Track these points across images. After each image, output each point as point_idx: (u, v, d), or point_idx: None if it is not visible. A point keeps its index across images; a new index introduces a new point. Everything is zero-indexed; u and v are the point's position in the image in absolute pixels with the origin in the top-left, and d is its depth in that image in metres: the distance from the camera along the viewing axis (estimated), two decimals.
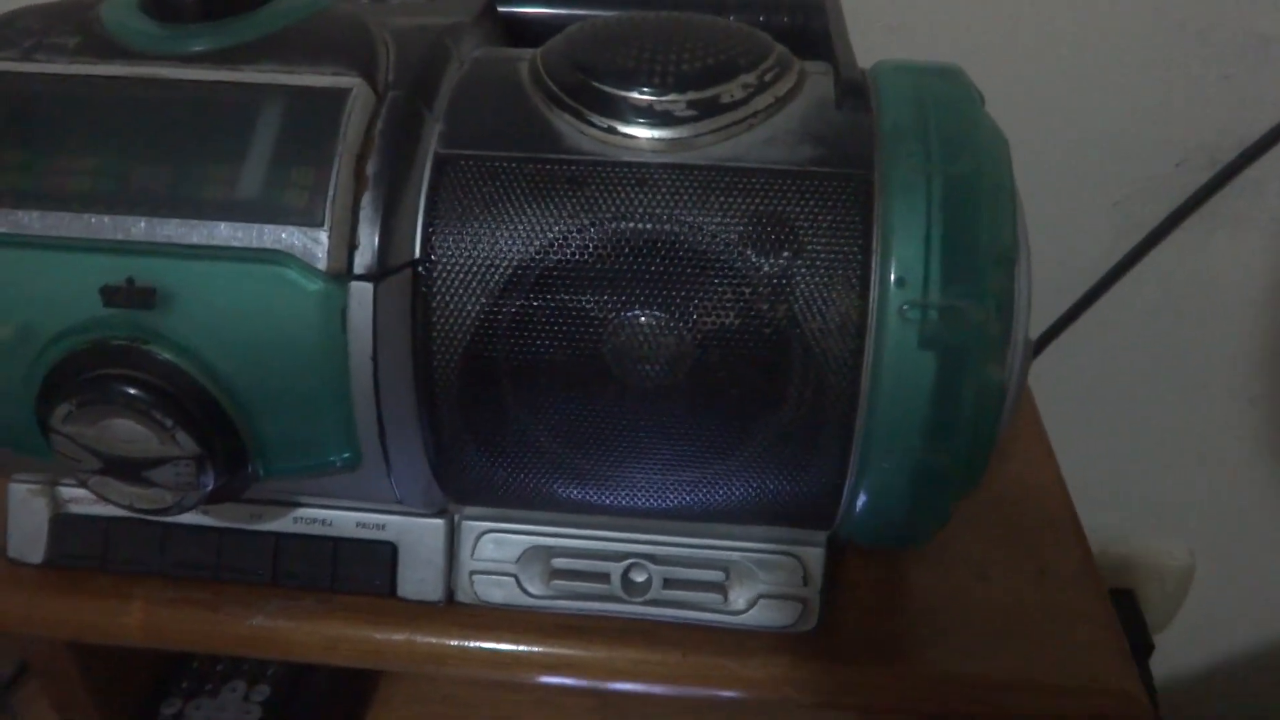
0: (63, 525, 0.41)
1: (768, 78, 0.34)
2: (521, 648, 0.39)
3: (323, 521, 0.39)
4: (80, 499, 0.40)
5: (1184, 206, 0.69)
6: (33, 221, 0.32)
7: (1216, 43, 0.63)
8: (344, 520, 0.39)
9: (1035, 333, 0.74)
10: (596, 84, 0.33)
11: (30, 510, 0.41)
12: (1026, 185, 0.68)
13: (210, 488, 0.34)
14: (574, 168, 0.33)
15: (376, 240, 0.32)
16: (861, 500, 0.34)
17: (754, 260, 0.32)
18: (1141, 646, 0.83)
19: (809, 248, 0.32)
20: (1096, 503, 0.81)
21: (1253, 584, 0.84)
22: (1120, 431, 0.78)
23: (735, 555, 0.38)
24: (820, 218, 0.32)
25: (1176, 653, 0.86)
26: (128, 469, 0.34)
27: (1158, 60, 0.64)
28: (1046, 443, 0.50)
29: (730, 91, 0.33)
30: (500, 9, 0.43)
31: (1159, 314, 0.73)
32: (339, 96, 0.32)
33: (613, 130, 0.33)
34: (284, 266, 0.31)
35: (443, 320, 0.33)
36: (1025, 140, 0.67)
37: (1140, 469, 0.80)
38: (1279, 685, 0.88)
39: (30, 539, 0.41)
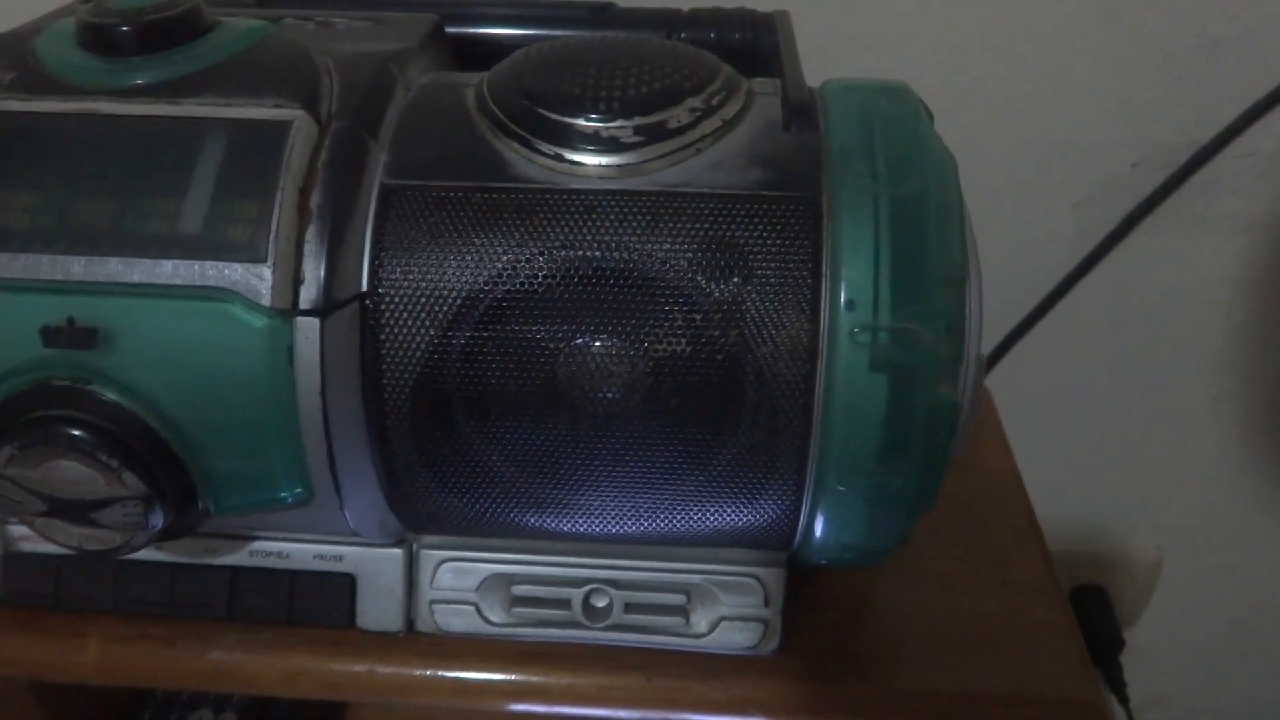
0: (13, 563, 0.40)
1: (715, 101, 0.34)
2: (484, 676, 0.39)
3: (279, 554, 0.39)
4: (31, 536, 0.39)
5: (1141, 207, 0.69)
6: None
7: (1169, 45, 0.64)
8: (301, 552, 0.39)
9: (1001, 332, 0.75)
10: (542, 111, 0.33)
11: None
12: (987, 189, 0.69)
13: (159, 527, 0.33)
14: (521, 196, 0.32)
15: (322, 274, 0.31)
16: (819, 522, 0.34)
17: (704, 286, 0.32)
18: (1112, 641, 0.84)
19: (759, 272, 0.32)
20: (1065, 501, 0.82)
21: (1220, 577, 0.85)
22: (1086, 430, 0.79)
23: (696, 578, 0.38)
24: (769, 242, 0.32)
25: (1147, 647, 0.87)
26: (74, 510, 0.33)
27: (1112, 63, 0.65)
28: (1008, 451, 0.50)
29: (677, 116, 0.33)
30: (448, 29, 0.43)
31: (1121, 313, 0.74)
32: (281, 129, 0.32)
33: (560, 157, 0.33)
34: (228, 303, 0.31)
35: (392, 353, 0.32)
36: (984, 144, 0.67)
37: (1106, 467, 0.81)
38: (1248, 677, 0.89)
39: None
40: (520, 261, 0.32)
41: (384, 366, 0.33)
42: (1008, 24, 0.64)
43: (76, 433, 0.31)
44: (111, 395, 0.32)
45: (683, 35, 0.44)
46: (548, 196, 0.32)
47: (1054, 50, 0.65)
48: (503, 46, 0.44)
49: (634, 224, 0.32)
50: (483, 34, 0.45)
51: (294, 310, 0.31)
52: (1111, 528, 0.84)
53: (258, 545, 0.39)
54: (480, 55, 0.44)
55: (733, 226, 0.32)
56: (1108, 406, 0.78)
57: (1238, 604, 0.86)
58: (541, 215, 0.32)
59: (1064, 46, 0.64)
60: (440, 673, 0.39)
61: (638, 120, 0.33)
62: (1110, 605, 0.85)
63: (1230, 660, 0.89)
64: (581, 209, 0.32)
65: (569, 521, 0.36)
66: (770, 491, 0.34)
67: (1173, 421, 0.78)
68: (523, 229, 0.32)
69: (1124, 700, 0.82)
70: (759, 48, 0.43)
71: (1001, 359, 0.75)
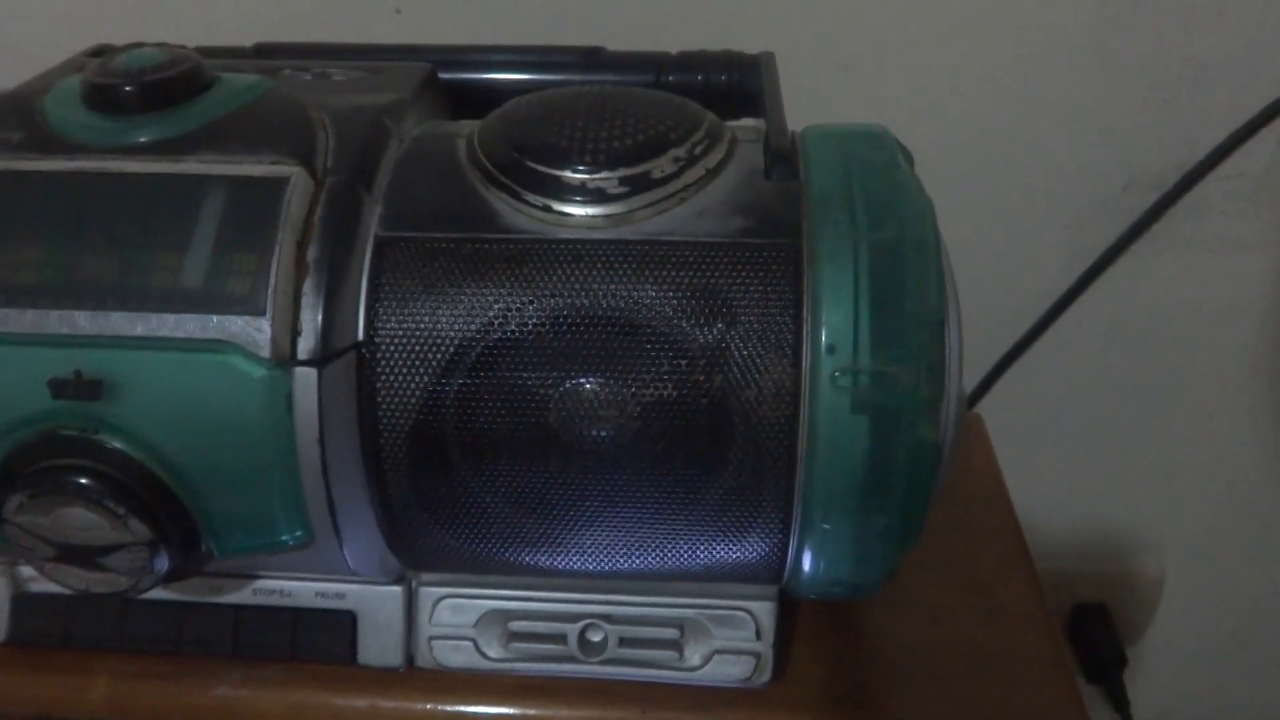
0: (24, 604, 0.41)
1: (698, 150, 0.35)
2: (483, 710, 0.40)
3: (282, 592, 0.40)
4: (41, 577, 0.41)
5: (1133, 229, 0.70)
6: None
7: (1155, 71, 0.65)
8: (303, 590, 0.40)
9: (996, 354, 0.75)
10: (530, 163, 0.34)
11: None
12: (978, 213, 0.70)
13: (164, 570, 0.34)
14: (511, 246, 0.33)
15: (319, 325, 0.32)
16: (806, 558, 0.35)
17: (689, 332, 0.33)
18: (1115, 659, 0.85)
19: (742, 318, 0.33)
20: (1065, 519, 0.83)
21: (1223, 593, 0.86)
22: (1085, 449, 0.80)
23: (689, 612, 0.39)
24: (751, 288, 0.33)
25: (1150, 664, 0.88)
26: (82, 556, 0.34)
27: (1100, 88, 0.66)
28: (999, 478, 0.51)
29: (661, 167, 0.34)
30: (442, 75, 0.44)
31: (1115, 333, 0.75)
32: (278, 185, 0.33)
33: (548, 209, 0.34)
34: (228, 355, 0.32)
35: (388, 400, 0.33)
36: (975, 169, 0.68)
37: (1106, 485, 0.82)
38: (1252, 694, 0.89)
39: None
40: (511, 310, 0.33)
41: (380, 413, 0.34)
42: (996, 51, 0.65)
43: (84, 481, 0.32)
44: (117, 444, 0.33)
45: (670, 78, 0.45)
46: (537, 246, 0.33)
47: (1042, 76, 0.66)
48: (495, 91, 0.45)
49: (621, 272, 0.33)
50: (476, 79, 0.46)
51: (292, 361, 0.32)
52: (1112, 545, 0.85)
53: (261, 584, 0.40)
54: (474, 100, 0.45)
55: (716, 274, 0.33)
56: (1106, 425, 0.79)
57: (1241, 620, 0.87)
58: (531, 265, 0.33)
59: (1052, 72, 0.66)
60: (440, 707, 0.40)
61: (623, 171, 0.34)
62: (1113, 622, 0.86)
63: (1234, 677, 0.89)
64: (569, 258, 0.33)
65: (564, 559, 0.37)
66: (758, 529, 0.35)
67: (1171, 439, 0.79)
68: (513, 278, 0.33)
69: (1127, 718, 0.83)
70: (745, 89, 0.45)
71: (998, 380, 0.76)
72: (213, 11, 0.64)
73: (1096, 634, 0.85)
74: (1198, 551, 0.84)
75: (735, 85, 0.44)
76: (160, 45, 0.42)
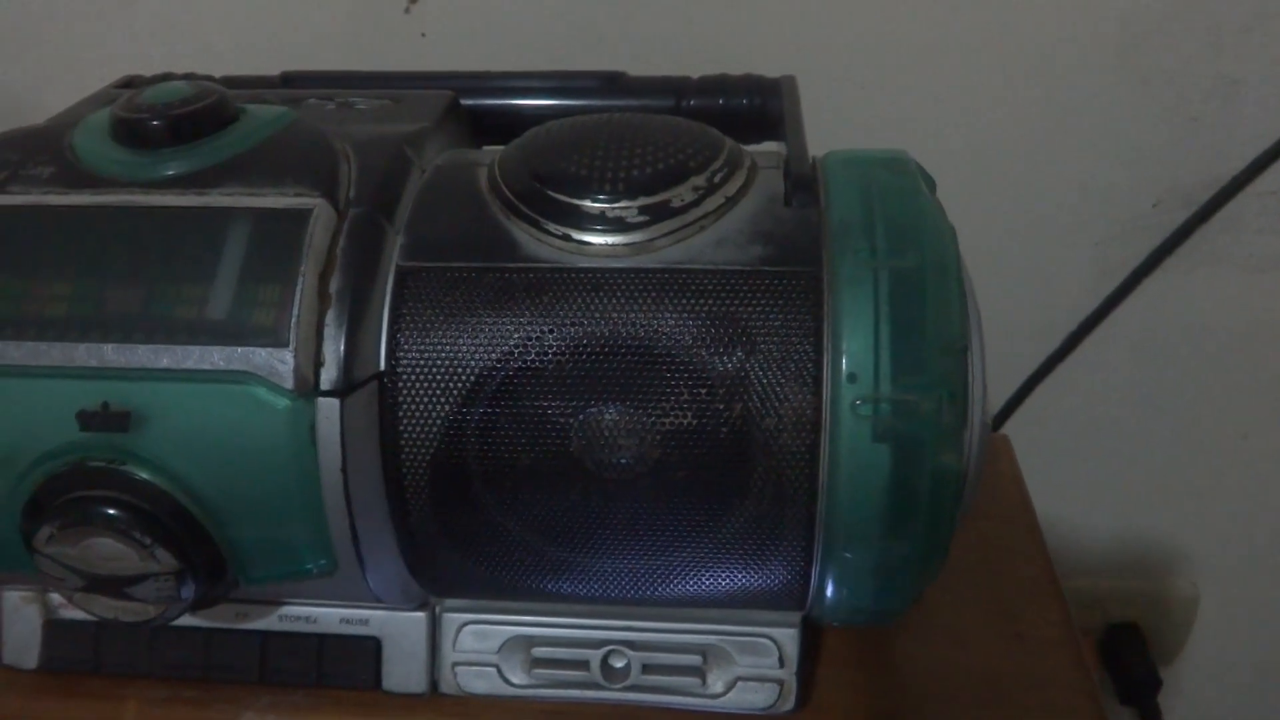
0: (55, 631, 0.42)
1: (717, 178, 0.35)
2: None
3: (307, 619, 0.40)
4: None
5: (1163, 246, 0.69)
6: (10, 350, 0.33)
7: (1183, 86, 0.64)
8: (328, 616, 0.40)
9: (1026, 371, 0.75)
10: (551, 193, 0.34)
11: (23, 617, 0.42)
12: (1006, 231, 0.70)
13: (191, 599, 0.35)
14: (531, 275, 0.34)
15: (341, 356, 0.33)
16: (829, 585, 0.35)
17: (709, 360, 0.33)
18: (1149, 680, 0.83)
19: (761, 346, 0.32)
20: (1098, 539, 0.82)
21: (1258, 613, 0.84)
22: (1117, 468, 0.79)
23: (711, 639, 0.39)
24: (771, 316, 0.33)
25: (1184, 686, 0.86)
26: (110, 585, 0.35)
27: (1128, 104, 0.65)
28: (1026, 500, 0.50)
29: (681, 195, 0.34)
30: (465, 101, 0.45)
31: (1146, 351, 0.74)
32: (301, 218, 0.33)
33: (568, 238, 0.34)
34: (252, 386, 0.32)
35: (410, 430, 0.34)
36: (1002, 186, 0.68)
37: (1139, 504, 0.80)
38: None
39: (24, 645, 0.42)
40: (531, 339, 0.33)
41: (402, 442, 0.34)
42: (1022, 67, 0.65)
43: (112, 512, 0.33)
44: (144, 475, 0.33)
45: (691, 102, 0.45)
46: (557, 275, 0.33)
47: (1069, 93, 0.65)
48: (518, 116, 0.45)
49: (640, 301, 0.33)
50: (498, 105, 0.46)
51: (315, 391, 0.32)
52: (1145, 565, 0.83)
53: (287, 610, 0.40)
54: (497, 125, 0.45)
55: (736, 302, 0.33)
56: (1137, 444, 0.78)
57: (1277, 640, 0.85)
58: (551, 294, 0.33)
59: (1079, 89, 0.65)
60: None
61: (642, 200, 0.34)
62: (1146, 643, 0.84)
63: (1270, 698, 0.87)
64: (589, 287, 0.33)
65: (586, 585, 0.37)
66: (779, 557, 0.35)
67: (1204, 457, 0.78)
68: (533, 307, 0.33)
69: None
70: (766, 112, 0.45)
71: (1028, 397, 0.75)
72: (240, 36, 0.65)
73: (1130, 655, 0.84)
74: (1232, 571, 0.83)
75: (756, 109, 0.45)
76: (187, 77, 0.43)
